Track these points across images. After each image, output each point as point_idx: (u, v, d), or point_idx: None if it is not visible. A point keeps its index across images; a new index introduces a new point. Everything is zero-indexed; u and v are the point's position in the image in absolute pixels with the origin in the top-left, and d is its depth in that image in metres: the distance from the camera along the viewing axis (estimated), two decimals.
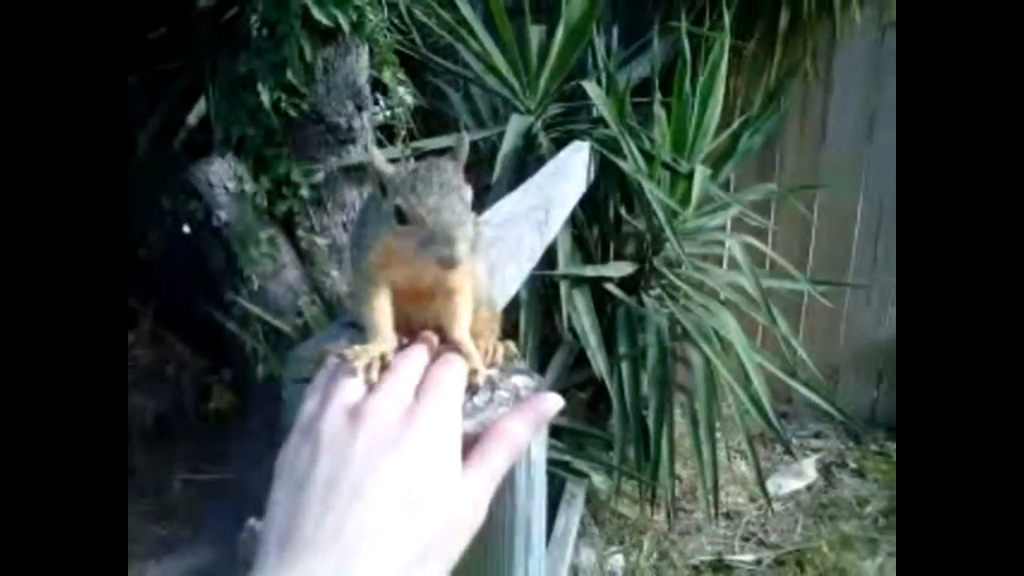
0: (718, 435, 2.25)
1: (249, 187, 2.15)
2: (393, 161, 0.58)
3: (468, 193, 0.54)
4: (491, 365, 0.58)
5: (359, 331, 0.58)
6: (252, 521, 1.46)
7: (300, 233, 2.24)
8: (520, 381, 0.57)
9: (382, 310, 0.56)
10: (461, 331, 0.56)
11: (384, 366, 0.52)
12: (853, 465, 2.96)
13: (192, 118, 2.26)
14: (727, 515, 2.72)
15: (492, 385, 0.56)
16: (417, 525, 0.44)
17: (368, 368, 0.51)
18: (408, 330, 0.58)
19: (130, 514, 2.35)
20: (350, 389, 0.50)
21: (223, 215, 2.12)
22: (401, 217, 0.52)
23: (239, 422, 2.35)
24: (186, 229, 2.23)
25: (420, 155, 2.15)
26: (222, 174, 2.12)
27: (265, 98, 2.08)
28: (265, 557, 0.43)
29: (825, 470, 2.97)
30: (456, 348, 0.55)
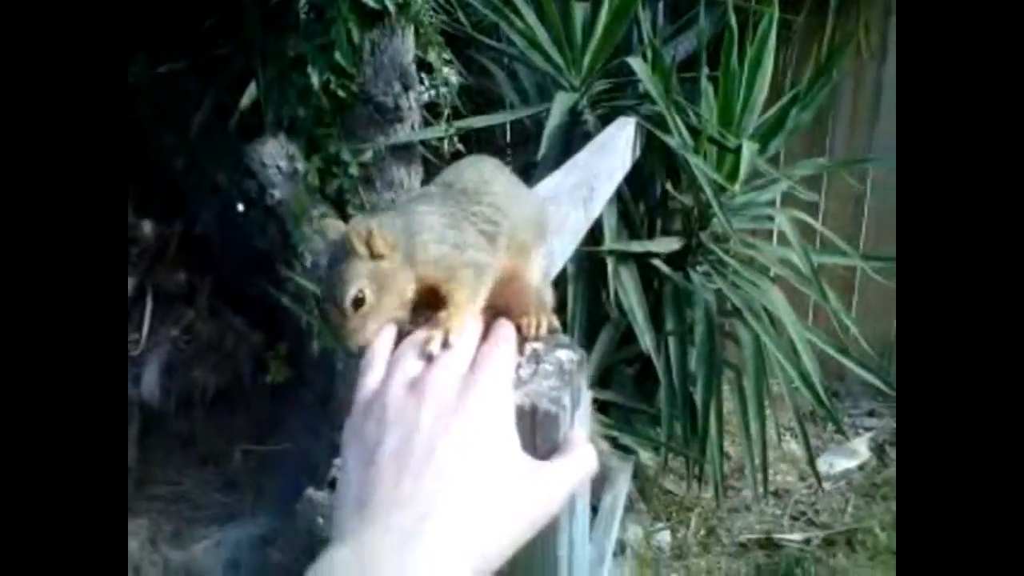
0: (767, 412, 2.23)
1: (301, 166, 2.20)
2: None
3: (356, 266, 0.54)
4: (535, 339, 0.60)
5: None
6: (310, 490, 1.52)
7: (350, 211, 2.28)
8: (564, 355, 0.59)
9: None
10: (453, 320, 0.56)
11: (445, 343, 0.54)
12: None
13: (245, 100, 2.30)
14: (776, 493, 2.70)
15: (537, 358, 0.58)
16: (485, 486, 0.47)
17: (428, 342, 0.53)
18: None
19: (194, 483, 2.45)
20: (411, 363, 0.52)
21: (276, 193, 2.18)
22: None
23: (295, 394, 2.42)
24: (241, 207, 2.29)
25: (465, 134, 2.17)
26: (275, 154, 2.18)
27: (315, 80, 2.11)
28: (344, 521, 0.46)
29: (878, 449, 2.92)
30: (505, 326, 0.57)
